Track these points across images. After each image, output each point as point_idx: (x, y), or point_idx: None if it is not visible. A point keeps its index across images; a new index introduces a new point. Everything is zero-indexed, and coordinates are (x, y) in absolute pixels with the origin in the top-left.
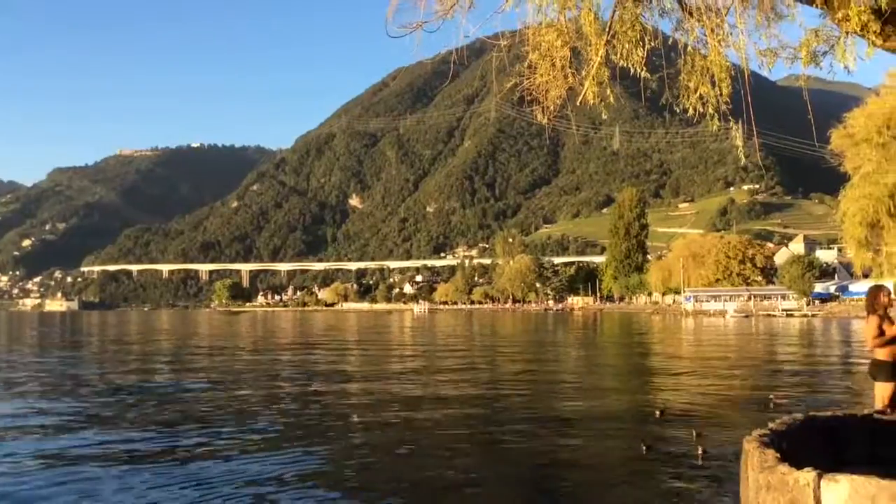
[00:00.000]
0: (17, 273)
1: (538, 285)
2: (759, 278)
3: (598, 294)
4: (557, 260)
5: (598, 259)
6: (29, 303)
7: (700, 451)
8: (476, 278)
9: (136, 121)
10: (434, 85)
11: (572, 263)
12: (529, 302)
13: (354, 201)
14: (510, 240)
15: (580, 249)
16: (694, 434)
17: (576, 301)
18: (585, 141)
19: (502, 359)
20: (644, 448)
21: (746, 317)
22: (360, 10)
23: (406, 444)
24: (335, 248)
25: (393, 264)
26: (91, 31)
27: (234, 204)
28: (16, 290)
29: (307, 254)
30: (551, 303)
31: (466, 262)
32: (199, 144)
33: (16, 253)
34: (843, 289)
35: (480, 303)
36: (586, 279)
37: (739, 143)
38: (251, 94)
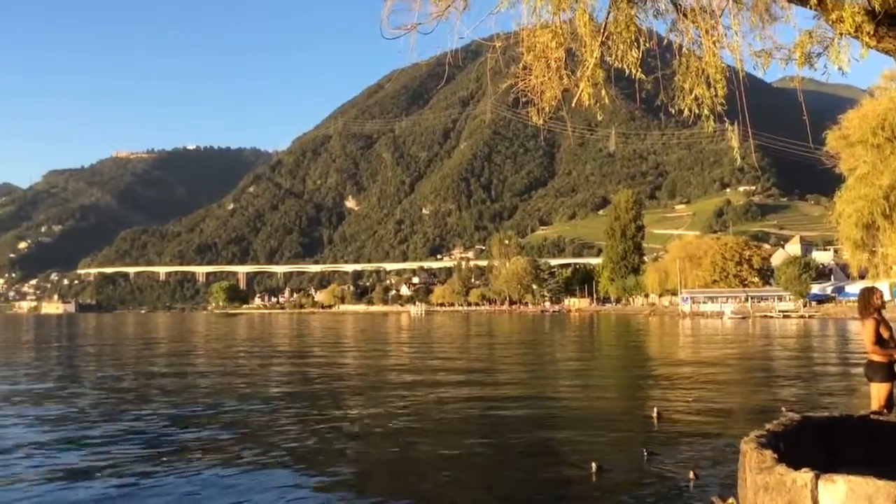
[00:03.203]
0: (13, 275)
1: (535, 287)
2: (756, 280)
3: (595, 296)
4: (554, 262)
5: (595, 261)
6: (25, 305)
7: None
8: (473, 280)
9: (132, 123)
10: (429, 87)
11: (569, 265)
12: (526, 303)
13: (350, 203)
14: (506, 242)
15: (576, 251)
16: (645, 453)
17: (572, 302)
18: (581, 143)
19: (499, 361)
20: (645, 455)
21: (743, 318)
22: (354, 12)
23: (403, 448)
24: (331, 250)
25: (389, 266)
26: (86, 32)
27: (231, 206)
28: (12, 293)
29: (303, 256)
30: (548, 304)
31: (463, 263)
32: (195, 146)
33: (11, 255)
34: (840, 290)
35: (477, 304)
36: (583, 281)
37: (735, 144)
38: (247, 96)
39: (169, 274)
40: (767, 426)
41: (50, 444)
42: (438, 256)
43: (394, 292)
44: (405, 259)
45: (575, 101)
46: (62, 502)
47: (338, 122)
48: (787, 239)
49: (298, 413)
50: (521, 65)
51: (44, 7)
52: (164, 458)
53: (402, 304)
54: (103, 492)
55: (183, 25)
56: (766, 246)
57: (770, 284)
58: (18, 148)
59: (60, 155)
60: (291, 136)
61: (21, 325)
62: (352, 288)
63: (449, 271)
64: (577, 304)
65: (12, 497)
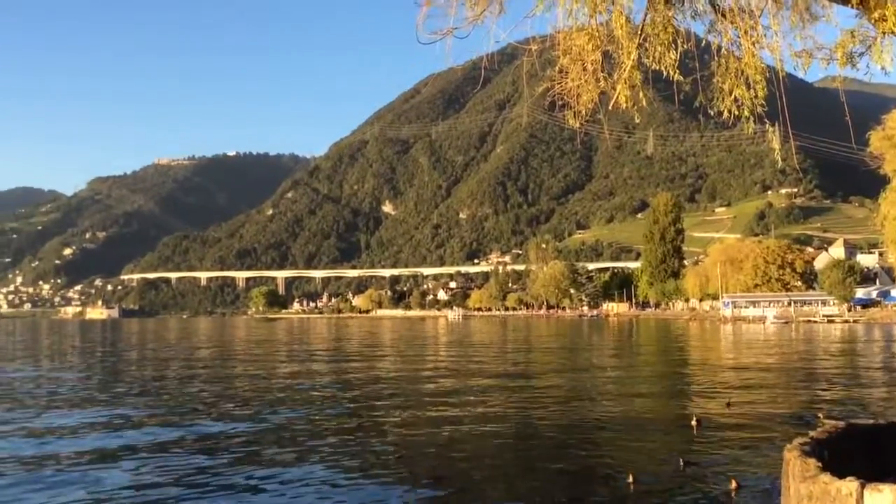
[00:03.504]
0: (59, 281)
1: (572, 291)
2: (799, 283)
3: (634, 300)
4: (591, 266)
5: (634, 265)
6: (70, 311)
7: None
8: (510, 284)
9: (173, 129)
10: (465, 91)
11: (607, 269)
12: (564, 308)
13: (387, 208)
14: (543, 245)
15: (615, 255)
16: (682, 463)
17: (611, 307)
18: (619, 145)
19: (537, 366)
20: (682, 464)
21: (786, 323)
22: (390, 18)
23: (443, 452)
24: (369, 255)
25: (426, 271)
26: (128, 36)
27: (270, 211)
28: (57, 298)
29: (341, 260)
30: (586, 309)
31: (500, 268)
32: (234, 153)
33: (57, 261)
34: (885, 294)
35: (514, 309)
36: (621, 285)
37: (776, 145)
38: (285, 102)
39: (210, 279)
40: (811, 433)
41: (103, 449)
42: (475, 261)
43: (431, 297)
44: (442, 263)
45: (612, 103)
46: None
47: (374, 128)
48: (830, 242)
49: (338, 418)
50: (557, 68)
51: (89, 11)
52: (212, 466)
53: (439, 309)
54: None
55: (222, 32)
56: (809, 249)
57: (813, 288)
58: (63, 155)
59: (104, 162)
60: (329, 141)
61: (67, 331)
62: (389, 293)
63: (486, 276)
64: (615, 308)
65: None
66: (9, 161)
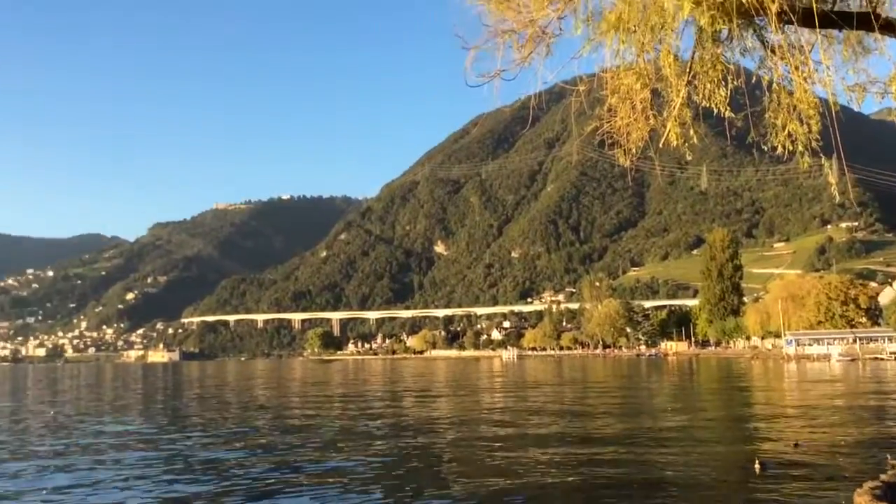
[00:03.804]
0: (122, 325)
1: (628, 330)
2: (864, 320)
3: (693, 338)
4: (647, 304)
5: (691, 302)
6: (133, 354)
7: None
8: (564, 323)
9: (230, 174)
10: (514, 130)
11: (663, 307)
12: (620, 347)
13: (440, 248)
14: (597, 283)
15: (671, 292)
16: None
17: (669, 346)
18: (671, 181)
19: (594, 409)
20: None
21: (852, 360)
22: (438, 61)
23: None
24: (422, 295)
25: (480, 310)
26: (183, 82)
27: (324, 253)
28: (120, 342)
29: (395, 301)
30: (643, 348)
31: (553, 307)
32: (288, 196)
33: (120, 306)
34: None
35: (569, 348)
36: (679, 323)
37: (832, 180)
38: (337, 146)
39: (266, 321)
40: (882, 477)
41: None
42: (528, 300)
43: (485, 337)
44: (495, 303)
45: (663, 140)
46: None
47: (425, 168)
48: (894, 276)
49: (395, 458)
50: (605, 106)
51: (144, 59)
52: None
53: (493, 349)
54: None
55: (271, 81)
56: (873, 284)
57: (879, 325)
58: (126, 202)
59: (165, 208)
60: (380, 182)
61: (130, 375)
62: (443, 333)
63: (539, 314)
64: (674, 347)
65: None
66: (74, 208)
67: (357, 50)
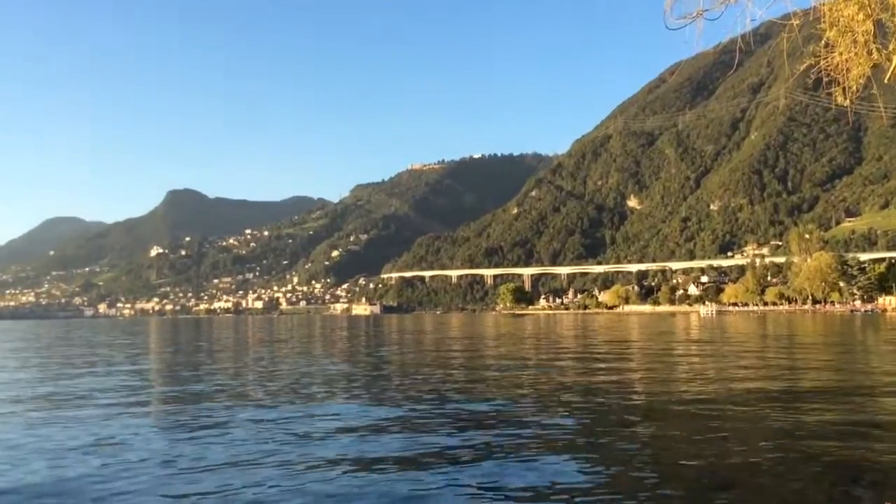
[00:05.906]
0: (328, 280)
1: (842, 285)
2: None
3: None
4: (864, 256)
5: None
6: (339, 307)
7: None
8: (768, 278)
9: (425, 137)
10: (714, 77)
11: (882, 260)
12: (832, 303)
13: (633, 202)
14: (807, 235)
15: (892, 244)
16: None
17: (888, 301)
18: (894, 123)
19: (802, 371)
20: None
21: None
22: (632, 7)
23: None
24: (614, 251)
25: (675, 265)
26: (378, 47)
27: (515, 210)
28: (328, 296)
29: (586, 257)
30: (858, 303)
31: (757, 260)
32: (480, 155)
33: (326, 263)
34: None
35: (774, 304)
36: None
37: None
38: (527, 103)
39: (460, 277)
40: None
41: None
42: (729, 254)
43: (681, 292)
44: (692, 257)
45: (888, 76)
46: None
47: (617, 122)
48: None
49: (586, 413)
50: (822, 42)
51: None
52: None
53: (689, 304)
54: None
55: (462, 45)
56: None
57: None
58: (329, 166)
59: (365, 170)
60: (571, 138)
61: (337, 325)
62: (636, 288)
63: (740, 269)
64: (893, 302)
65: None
66: (286, 174)
67: (542, 6)
